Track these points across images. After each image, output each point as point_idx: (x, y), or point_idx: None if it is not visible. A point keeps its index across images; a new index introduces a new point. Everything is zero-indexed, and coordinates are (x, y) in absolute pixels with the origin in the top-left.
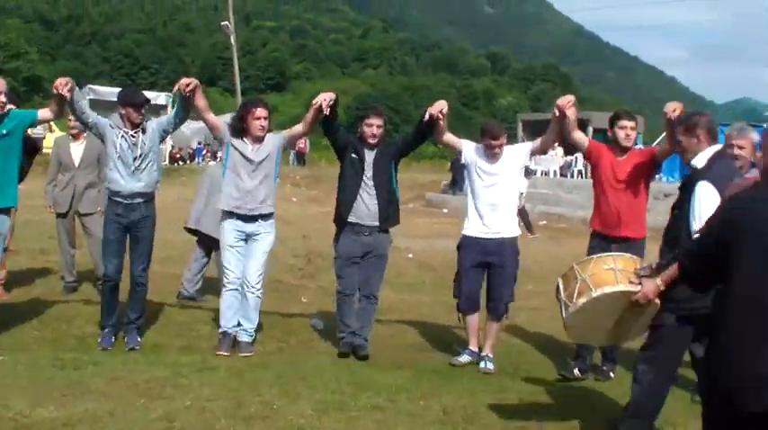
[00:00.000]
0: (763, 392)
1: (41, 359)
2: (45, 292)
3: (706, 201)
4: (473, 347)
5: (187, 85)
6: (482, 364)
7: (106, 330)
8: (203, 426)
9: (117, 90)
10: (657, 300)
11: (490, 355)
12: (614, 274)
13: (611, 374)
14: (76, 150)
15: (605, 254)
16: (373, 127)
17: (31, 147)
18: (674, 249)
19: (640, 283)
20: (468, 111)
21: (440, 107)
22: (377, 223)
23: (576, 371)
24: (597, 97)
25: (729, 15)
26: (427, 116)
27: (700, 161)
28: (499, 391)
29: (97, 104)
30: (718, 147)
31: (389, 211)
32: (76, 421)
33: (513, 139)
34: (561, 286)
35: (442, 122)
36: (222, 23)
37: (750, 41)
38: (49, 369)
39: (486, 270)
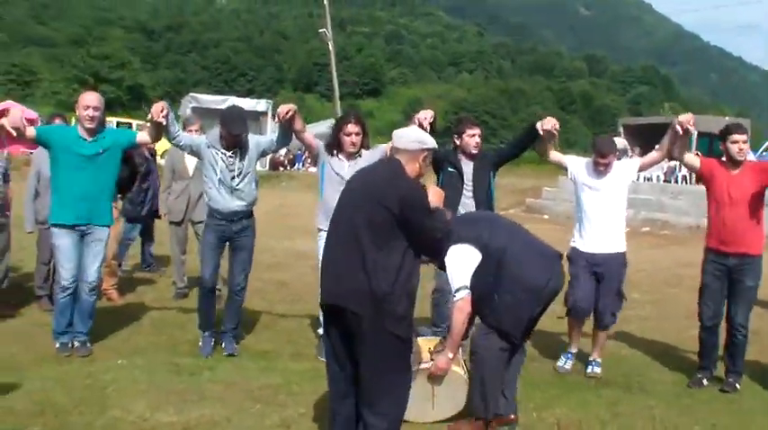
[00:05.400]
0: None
1: (158, 364)
2: (156, 298)
3: None
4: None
5: (286, 113)
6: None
7: (206, 335)
8: None
9: (218, 98)
10: (456, 368)
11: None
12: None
13: (737, 385)
14: (191, 160)
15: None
16: (475, 137)
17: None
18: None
19: (432, 360)
20: (567, 115)
21: (553, 123)
22: None
23: (704, 381)
24: (698, 99)
25: None
26: (541, 131)
27: None
28: (613, 404)
29: (199, 112)
30: None
31: None
32: (194, 425)
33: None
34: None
35: (555, 139)
36: (320, 30)
37: None
38: (166, 374)
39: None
